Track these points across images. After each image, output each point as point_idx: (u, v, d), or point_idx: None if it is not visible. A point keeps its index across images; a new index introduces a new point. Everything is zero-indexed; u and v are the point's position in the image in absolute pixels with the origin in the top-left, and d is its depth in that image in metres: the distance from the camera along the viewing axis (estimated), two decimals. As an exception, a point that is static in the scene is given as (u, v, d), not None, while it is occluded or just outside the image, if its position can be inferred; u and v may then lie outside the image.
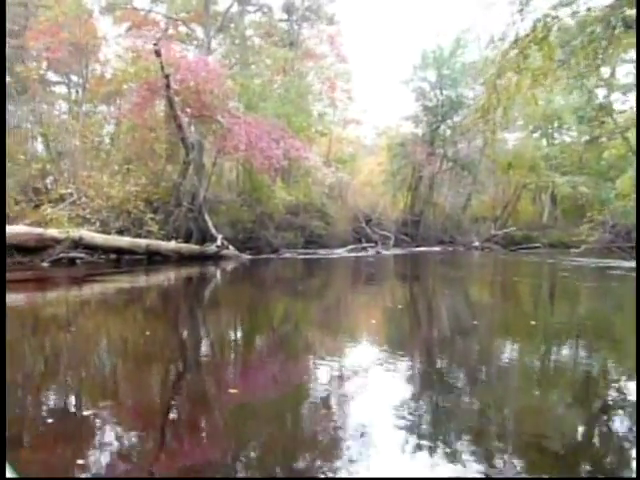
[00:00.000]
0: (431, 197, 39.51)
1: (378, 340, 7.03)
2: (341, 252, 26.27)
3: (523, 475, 3.05)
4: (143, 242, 17.13)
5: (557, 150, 40.48)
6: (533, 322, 8.75)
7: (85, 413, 3.94)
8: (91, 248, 16.13)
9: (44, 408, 4.04)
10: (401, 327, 8.26)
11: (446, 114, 39.02)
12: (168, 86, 17.72)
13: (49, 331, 7.30)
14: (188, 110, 19.13)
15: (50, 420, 3.78)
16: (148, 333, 7.26)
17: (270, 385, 4.79)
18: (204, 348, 6.52)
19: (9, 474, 1.59)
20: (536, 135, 44.26)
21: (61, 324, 7.73)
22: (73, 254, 15.47)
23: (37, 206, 16.30)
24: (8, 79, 23.74)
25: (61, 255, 15.12)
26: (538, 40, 13.85)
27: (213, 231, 20.21)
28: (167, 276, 15.52)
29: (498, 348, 6.62)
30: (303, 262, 21.26)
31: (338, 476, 2.99)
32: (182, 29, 28.13)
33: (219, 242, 19.58)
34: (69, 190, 16.54)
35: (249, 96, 20.91)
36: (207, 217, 20.49)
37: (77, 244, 15.50)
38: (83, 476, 2.93)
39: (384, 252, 28.29)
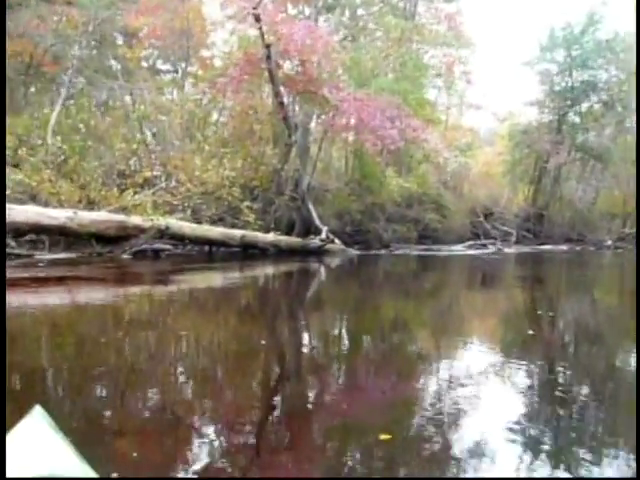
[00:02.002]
0: (557, 190, 35.89)
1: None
2: (458, 248, 23.65)
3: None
4: (237, 233, 15.14)
5: None
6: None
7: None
8: (178, 239, 14.33)
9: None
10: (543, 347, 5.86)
11: (576, 99, 35.41)
12: (269, 57, 15.62)
13: (130, 332, 6.03)
14: (291, 85, 16.92)
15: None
16: (243, 338, 5.99)
17: (379, 398, 4.03)
18: (305, 358, 5.29)
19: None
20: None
21: (143, 326, 6.41)
22: (158, 245, 13.67)
23: (123, 191, 14.58)
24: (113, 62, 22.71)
25: (144, 246, 13.34)
26: None
27: (318, 222, 18.06)
28: (264, 272, 13.53)
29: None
30: (418, 259, 18.74)
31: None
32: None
33: (324, 235, 17.42)
34: (156, 173, 14.69)
35: (360, 71, 18.49)
36: (311, 207, 18.35)
37: (162, 234, 13.67)
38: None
39: (506, 250, 25.31)
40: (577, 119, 36.58)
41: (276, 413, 3.66)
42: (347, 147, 21.02)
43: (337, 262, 16.32)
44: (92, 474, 1.46)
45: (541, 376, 4.61)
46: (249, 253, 15.70)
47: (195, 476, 2.57)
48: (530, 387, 4.25)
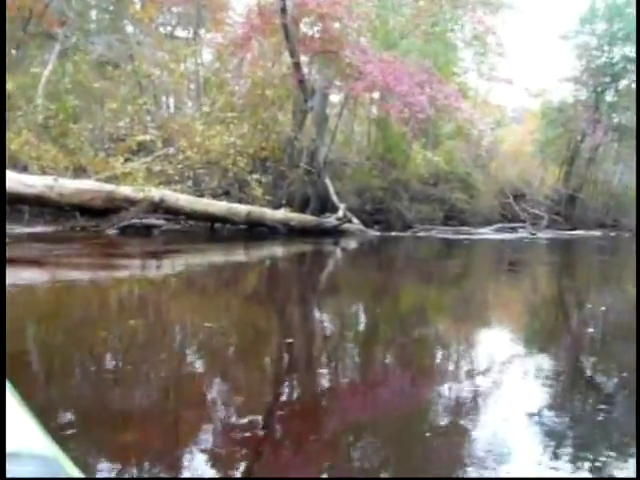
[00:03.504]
0: (591, 172, 33.91)
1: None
2: (486, 232, 21.89)
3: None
4: (243, 209, 13.41)
5: None
6: None
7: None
8: (174, 213, 12.65)
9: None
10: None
11: (615, 75, 33.31)
12: (284, 10, 13.73)
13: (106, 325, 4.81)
14: (309, 45, 15.02)
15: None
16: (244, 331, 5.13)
17: (395, 401, 3.43)
18: (314, 358, 4.39)
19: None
20: None
21: (125, 314, 5.30)
22: (150, 220, 12.04)
23: (113, 157, 12.83)
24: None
25: (134, 221, 11.68)
26: None
27: (335, 199, 16.30)
28: (270, 254, 11.91)
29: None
30: (444, 244, 16.91)
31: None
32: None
33: (341, 213, 15.67)
34: (151, 137, 12.88)
35: (387, 30, 16.55)
36: (328, 182, 16.59)
37: (156, 207, 11.99)
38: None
39: (539, 234, 23.44)
40: (616, 97, 34.49)
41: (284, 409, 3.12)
42: (370, 116, 19.04)
43: (354, 244, 14.63)
44: (59, 453, 1.22)
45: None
46: (257, 232, 14.04)
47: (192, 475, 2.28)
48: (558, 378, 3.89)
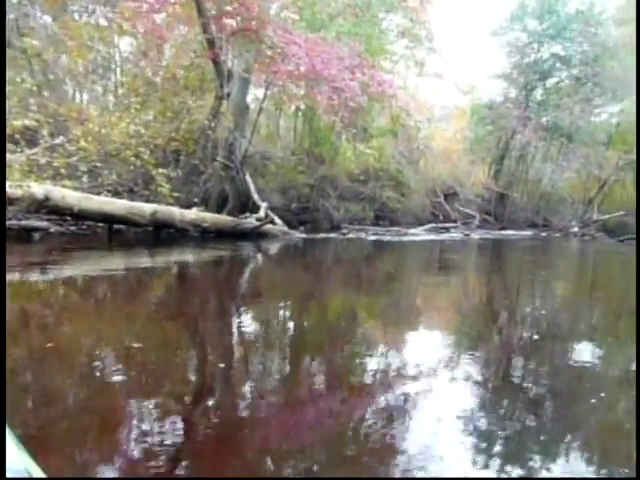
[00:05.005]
0: (522, 171, 33.63)
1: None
2: (419, 232, 20.80)
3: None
4: (147, 208, 11.55)
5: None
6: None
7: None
8: (61, 213, 10.67)
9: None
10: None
11: (545, 73, 33.17)
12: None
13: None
14: (225, 22, 13.19)
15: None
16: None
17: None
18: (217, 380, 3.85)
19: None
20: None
21: None
22: (30, 222, 10.06)
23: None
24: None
25: (12, 222, 9.71)
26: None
27: (256, 198, 14.82)
28: (179, 260, 10.27)
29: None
30: (376, 247, 15.45)
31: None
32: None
33: (262, 213, 14.07)
34: (34, 123, 10.77)
35: (314, 11, 14.92)
36: (249, 178, 14.98)
37: (40, 206, 10.01)
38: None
39: (473, 235, 22.46)
40: (546, 95, 34.21)
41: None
42: (296, 106, 17.40)
43: (276, 248, 13.01)
44: (33, 466, 1.36)
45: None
46: (168, 235, 12.23)
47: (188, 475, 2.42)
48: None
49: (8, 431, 1.37)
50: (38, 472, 1.22)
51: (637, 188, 25.09)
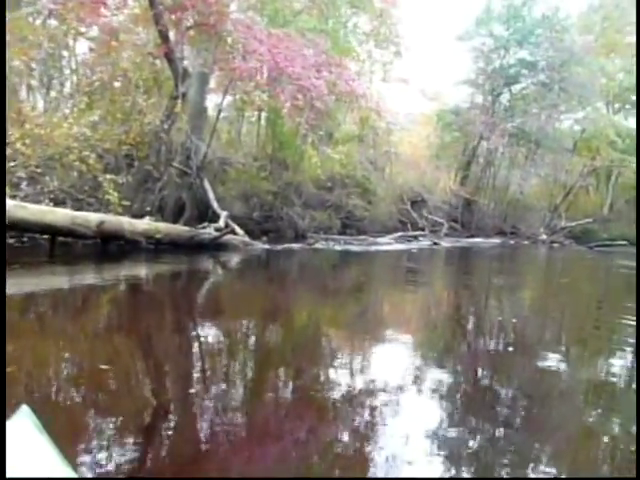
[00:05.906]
0: (488, 177, 33.30)
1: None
2: (388, 241, 20.15)
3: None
4: (93, 218, 10.40)
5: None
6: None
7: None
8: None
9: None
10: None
11: (511, 78, 32.98)
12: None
13: None
14: (180, 16, 12.15)
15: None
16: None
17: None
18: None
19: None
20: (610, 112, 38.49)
21: None
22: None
23: None
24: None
25: None
26: None
27: (215, 206, 13.96)
28: (129, 275, 9.43)
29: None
30: (343, 257, 14.62)
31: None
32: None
33: (222, 222, 13.13)
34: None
35: (276, 7, 14.00)
36: (208, 186, 14.05)
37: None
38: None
39: (442, 243, 21.88)
40: (512, 101, 34.22)
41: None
42: (258, 107, 16.44)
43: (237, 261, 12.11)
44: (74, 475, 1.44)
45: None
46: (118, 248, 11.16)
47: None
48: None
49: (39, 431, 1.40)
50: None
51: (637, 189, 24.60)
